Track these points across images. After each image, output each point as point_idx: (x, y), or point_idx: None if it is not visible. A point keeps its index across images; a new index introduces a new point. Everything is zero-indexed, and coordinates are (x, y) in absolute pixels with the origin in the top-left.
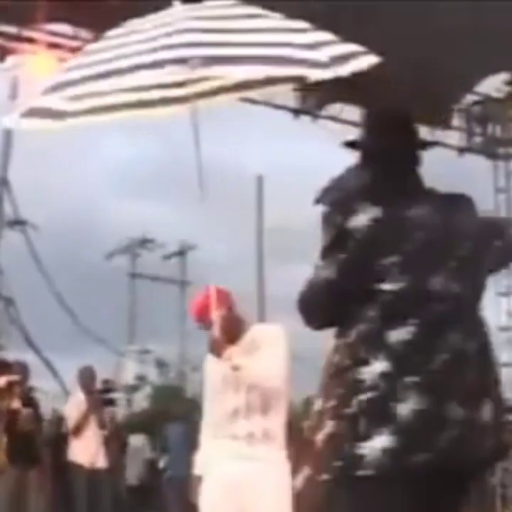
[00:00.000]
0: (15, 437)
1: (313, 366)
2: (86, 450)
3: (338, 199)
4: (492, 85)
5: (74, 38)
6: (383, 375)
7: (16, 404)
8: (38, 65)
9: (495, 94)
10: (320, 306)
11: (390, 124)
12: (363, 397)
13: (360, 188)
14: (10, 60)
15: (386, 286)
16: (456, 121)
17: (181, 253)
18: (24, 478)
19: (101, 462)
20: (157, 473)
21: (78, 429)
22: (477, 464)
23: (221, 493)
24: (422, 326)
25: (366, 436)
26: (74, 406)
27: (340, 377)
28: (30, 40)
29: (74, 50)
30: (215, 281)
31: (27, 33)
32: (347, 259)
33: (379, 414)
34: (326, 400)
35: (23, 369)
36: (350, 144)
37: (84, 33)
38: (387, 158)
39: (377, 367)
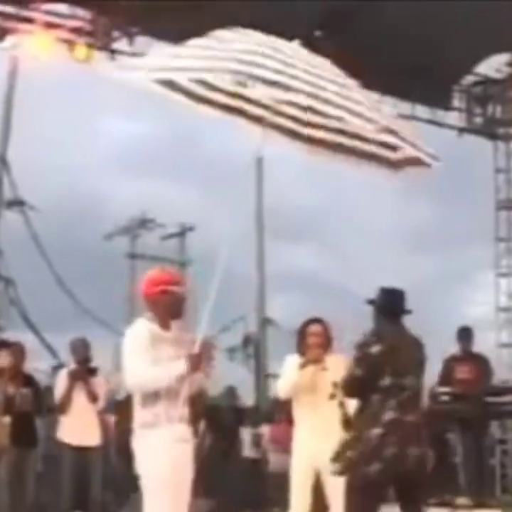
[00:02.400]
0: (14, 418)
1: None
2: (74, 427)
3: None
4: (492, 66)
5: (71, 17)
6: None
7: (17, 384)
8: (36, 45)
9: (495, 75)
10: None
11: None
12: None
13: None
14: (8, 39)
15: (385, 382)
16: (456, 101)
17: (181, 234)
18: (24, 458)
19: (91, 440)
20: None
21: (64, 404)
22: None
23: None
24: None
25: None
26: (60, 379)
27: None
28: (28, 20)
29: (71, 29)
30: (215, 261)
31: (25, 12)
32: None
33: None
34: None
35: (20, 350)
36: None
37: (81, 12)
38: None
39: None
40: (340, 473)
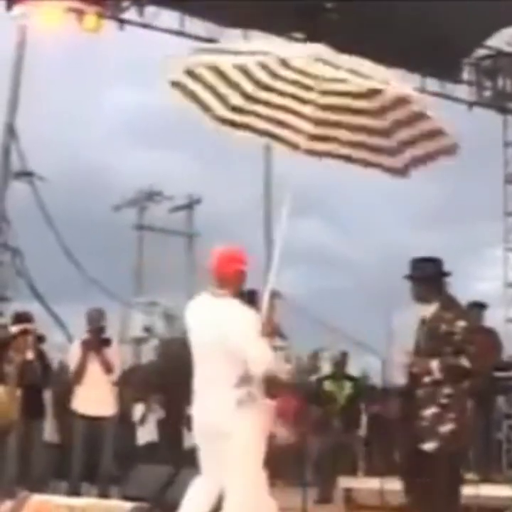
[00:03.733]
0: (24, 390)
1: (316, 320)
2: (88, 398)
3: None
4: (503, 39)
5: None
6: None
7: (29, 355)
8: (46, 14)
9: (505, 48)
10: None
11: None
12: None
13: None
14: (17, 9)
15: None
16: (466, 74)
17: (189, 206)
18: (33, 429)
19: (105, 410)
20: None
21: (78, 374)
22: None
23: None
24: None
25: None
26: (74, 349)
27: None
28: None
29: None
30: (223, 233)
31: None
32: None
33: None
34: None
35: (29, 321)
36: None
37: None
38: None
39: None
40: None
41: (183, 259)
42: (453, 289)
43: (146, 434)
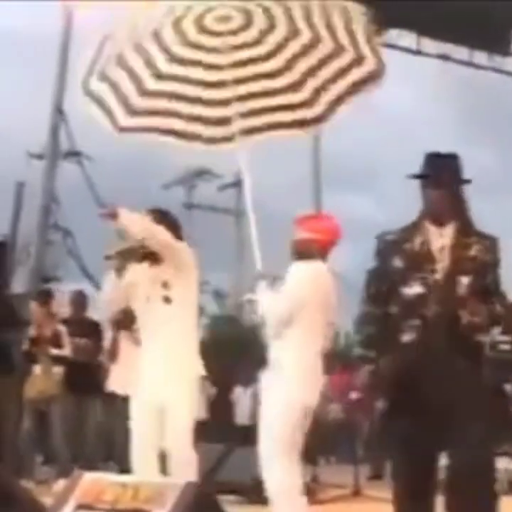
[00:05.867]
0: (69, 367)
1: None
2: (121, 375)
3: None
4: None
5: None
6: None
7: (54, 326)
8: None
9: None
10: None
11: None
12: None
13: None
14: None
15: None
16: None
17: (237, 184)
18: (78, 407)
19: None
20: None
21: (112, 352)
22: None
23: None
24: None
25: None
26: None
27: None
28: None
29: None
30: (272, 210)
31: None
32: None
33: None
34: None
35: (82, 298)
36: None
37: None
38: None
39: None
40: None
41: (232, 237)
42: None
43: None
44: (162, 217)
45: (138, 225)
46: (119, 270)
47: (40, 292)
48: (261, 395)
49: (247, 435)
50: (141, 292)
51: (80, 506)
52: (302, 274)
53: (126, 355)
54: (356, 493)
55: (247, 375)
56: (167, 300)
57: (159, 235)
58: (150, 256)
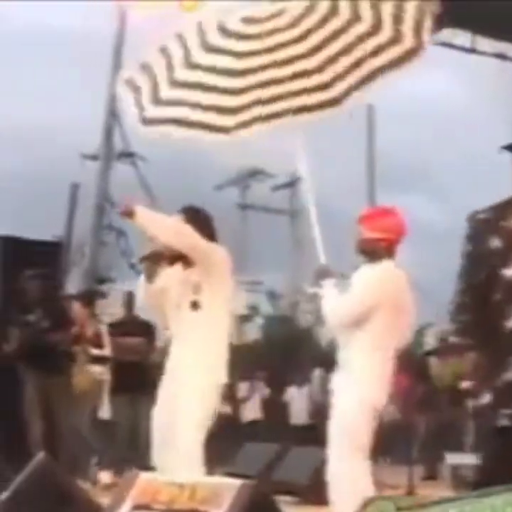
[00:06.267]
0: (117, 367)
1: (425, 296)
2: None
3: None
4: None
5: None
6: None
7: (96, 327)
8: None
9: None
10: None
11: None
12: None
13: None
14: None
15: None
16: None
17: (291, 184)
18: (135, 407)
19: None
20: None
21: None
22: None
23: None
24: None
25: None
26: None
27: None
28: None
29: None
30: (326, 211)
31: None
32: None
33: None
34: None
35: (133, 299)
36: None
37: None
38: None
39: None
40: None
41: (286, 237)
42: None
43: (251, 411)
44: (194, 216)
45: (158, 225)
46: (150, 275)
47: (83, 293)
48: (317, 395)
49: (303, 435)
50: (173, 297)
51: (136, 506)
52: (371, 278)
53: None
54: (410, 493)
55: (301, 375)
56: (195, 305)
57: (184, 237)
58: (182, 258)
